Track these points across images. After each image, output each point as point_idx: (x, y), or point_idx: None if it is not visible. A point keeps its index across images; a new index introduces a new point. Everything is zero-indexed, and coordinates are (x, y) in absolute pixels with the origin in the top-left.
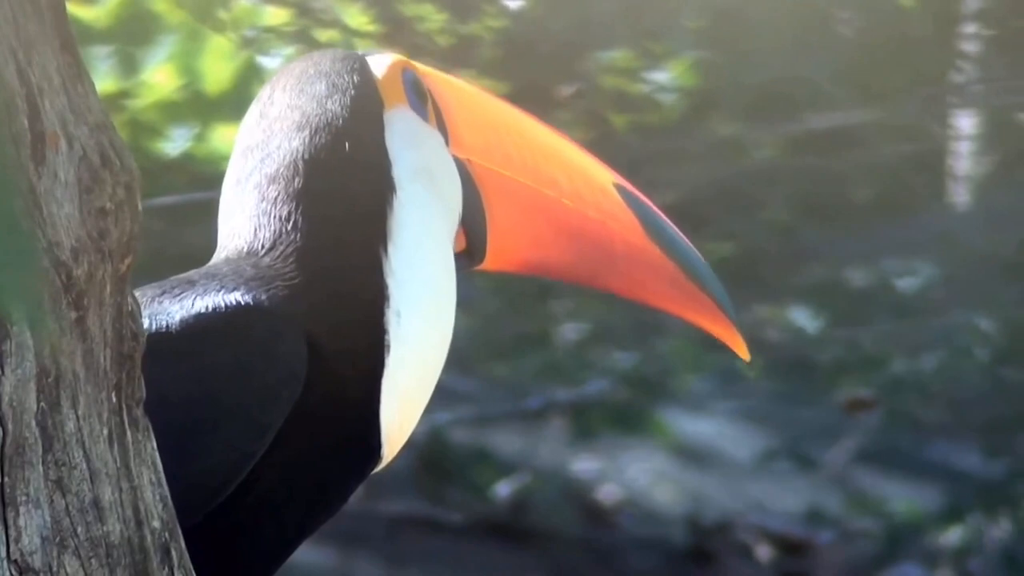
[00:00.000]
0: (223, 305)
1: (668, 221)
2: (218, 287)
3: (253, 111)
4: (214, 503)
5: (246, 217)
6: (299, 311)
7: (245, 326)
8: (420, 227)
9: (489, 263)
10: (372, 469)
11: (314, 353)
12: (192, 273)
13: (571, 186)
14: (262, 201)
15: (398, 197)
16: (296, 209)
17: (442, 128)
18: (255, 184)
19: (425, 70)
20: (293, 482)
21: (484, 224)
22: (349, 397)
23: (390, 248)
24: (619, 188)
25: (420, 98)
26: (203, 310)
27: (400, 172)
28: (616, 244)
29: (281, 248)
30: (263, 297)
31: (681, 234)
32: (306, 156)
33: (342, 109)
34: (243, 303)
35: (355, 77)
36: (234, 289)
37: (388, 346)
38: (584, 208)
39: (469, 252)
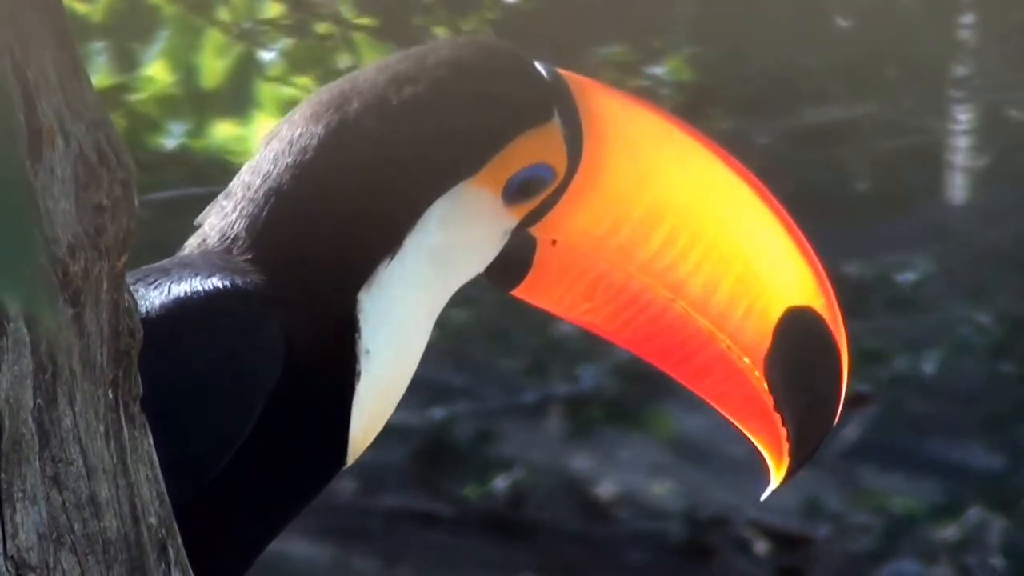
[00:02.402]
0: (200, 290)
1: (834, 372)
2: (193, 274)
3: (365, 74)
4: (197, 489)
5: (244, 206)
6: (273, 307)
7: (224, 309)
8: (407, 294)
9: (524, 297)
10: (336, 472)
11: (289, 350)
12: (165, 262)
13: (698, 294)
14: (255, 189)
15: (398, 264)
16: (292, 218)
17: (542, 210)
18: (274, 174)
19: (621, 135)
20: (266, 478)
21: (513, 285)
22: (321, 406)
23: (364, 296)
24: (793, 314)
25: (526, 193)
26: (180, 295)
27: (413, 244)
28: (706, 355)
29: (252, 245)
30: (240, 284)
31: (836, 390)
32: (339, 175)
33: (417, 155)
34: (221, 288)
35: (477, 129)
36: (210, 276)
37: (359, 375)
38: (697, 315)
39: (489, 279)
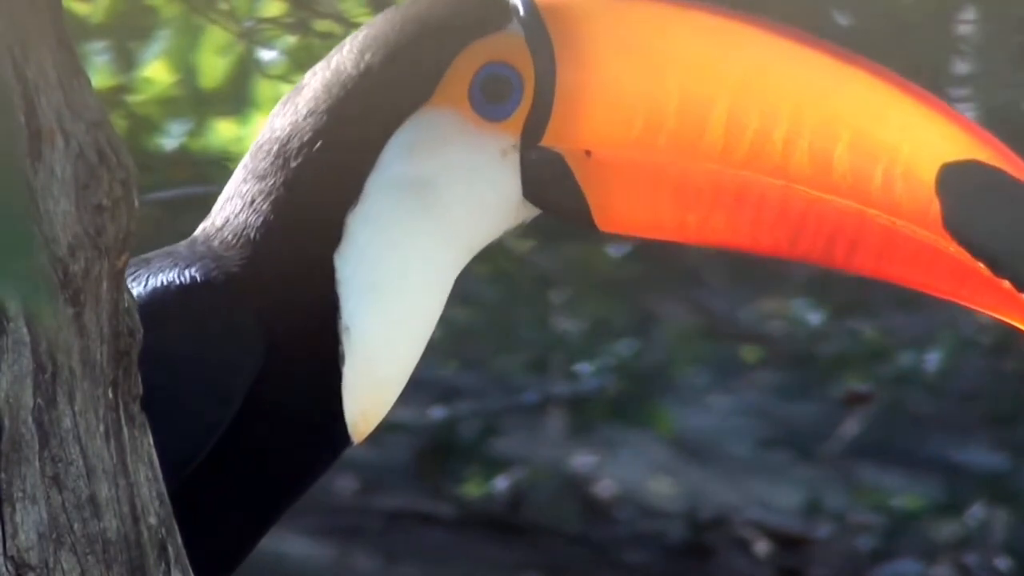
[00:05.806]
0: (178, 281)
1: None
2: (172, 264)
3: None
4: (179, 478)
5: (226, 193)
6: (250, 293)
7: (202, 298)
8: (386, 241)
9: (621, 229)
10: (337, 456)
11: (269, 336)
12: (150, 254)
13: (809, 172)
14: (238, 180)
15: (361, 207)
16: (260, 195)
17: (538, 118)
18: (246, 161)
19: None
20: (256, 468)
21: (586, 216)
22: (306, 394)
23: (338, 258)
24: (952, 170)
25: (499, 95)
26: (158, 285)
27: (378, 181)
28: (873, 238)
29: (231, 232)
30: (214, 271)
31: None
32: (294, 141)
33: (359, 92)
34: (199, 278)
35: (416, 49)
36: (187, 266)
37: (343, 356)
38: (827, 195)
39: (561, 218)
